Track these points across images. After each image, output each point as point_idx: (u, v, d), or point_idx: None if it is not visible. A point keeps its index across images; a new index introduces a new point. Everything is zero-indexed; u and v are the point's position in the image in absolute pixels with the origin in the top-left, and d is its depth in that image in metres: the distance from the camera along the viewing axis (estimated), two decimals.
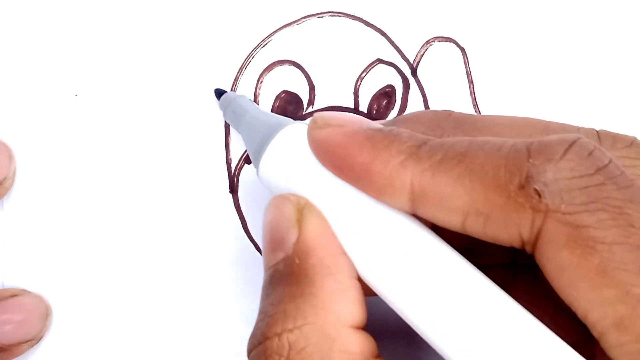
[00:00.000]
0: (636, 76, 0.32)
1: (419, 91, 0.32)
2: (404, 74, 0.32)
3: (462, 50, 0.32)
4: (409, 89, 0.32)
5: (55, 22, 0.30)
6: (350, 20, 0.32)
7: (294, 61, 0.31)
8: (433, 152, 0.20)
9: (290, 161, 0.22)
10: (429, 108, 0.31)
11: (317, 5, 0.31)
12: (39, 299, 0.29)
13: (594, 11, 0.32)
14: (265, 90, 0.31)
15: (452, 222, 0.20)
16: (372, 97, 0.31)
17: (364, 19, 0.32)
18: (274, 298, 0.21)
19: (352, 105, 0.31)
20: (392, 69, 0.31)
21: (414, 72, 0.32)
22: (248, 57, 0.31)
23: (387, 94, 0.31)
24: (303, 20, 0.31)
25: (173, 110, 0.31)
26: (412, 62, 0.32)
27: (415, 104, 0.31)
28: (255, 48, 0.31)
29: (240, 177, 0.31)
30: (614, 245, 0.17)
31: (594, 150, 0.19)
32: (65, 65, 0.30)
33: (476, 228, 0.19)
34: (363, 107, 0.31)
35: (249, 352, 0.21)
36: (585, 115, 0.32)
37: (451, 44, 0.32)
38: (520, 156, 0.19)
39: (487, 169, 0.19)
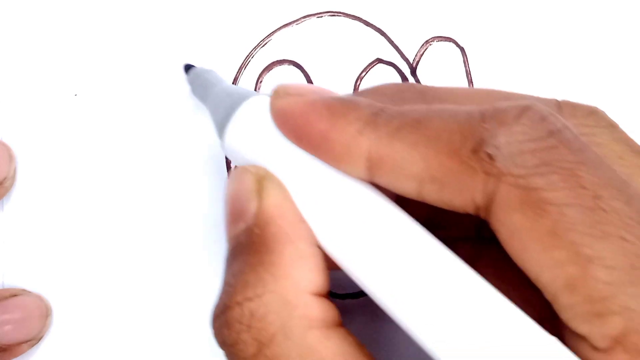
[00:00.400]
0: (636, 76, 0.32)
1: None
2: (403, 73, 0.32)
3: (462, 50, 0.32)
4: None
5: (55, 22, 0.30)
6: (350, 20, 0.32)
7: (293, 61, 0.31)
8: (390, 120, 0.20)
9: (252, 133, 0.22)
10: None
11: (317, 5, 0.31)
12: (39, 299, 0.29)
13: (594, 11, 0.32)
14: (265, 90, 0.31)
15: (409, 189, 0.20)
16: None
17: (364, 18, 0.32)
18: (236, 269, 0.21)
19: None
20: (391, 68, 0.32)
21: (413, 72, 0.32)
22: (247, 57, 0.31)
23: None
24: (302, 20, 0.31)
25: (172, 110, 0.31)
26: (411, 61, 0.32)
27: None
28: (255, 48, 0.31)
29: None
30: (564, 207, 0.17)
31: (548, 115, 0.19)
32: (64, 65, 0.30)
33: (432, 194, 0.19)
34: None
35: (212, 322, 0.21)
36: None
37: (451, 43, 0.32)
38: (473, 121, 0.19)
39: (441, 135, 0.19)
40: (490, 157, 0.18)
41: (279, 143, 0.22)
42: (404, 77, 0.32)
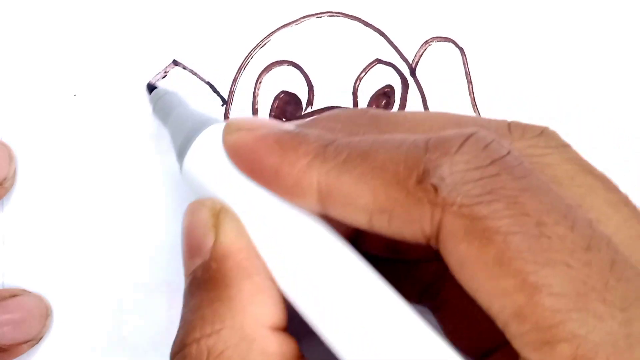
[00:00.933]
0: (635, 76, 0.32)
1: (417, 91, 0.32)
2: (402, 74, 0.32)
3: (461, 50, 0.32)
4: (407, 89, 0.32)
5: (55, 22, 0.30)
6: (349, 20, 0.32)
7: (292, 61, 0.31)
8: (338, 152, 0.20)
9: (208, 164, 0.23)
10: (427, 108, 0.32)
11: (316, 6, 0.31)
12: (39, 299, 0.29)
13: (593, 11, 0.32)
14: (264, 91, 0.31)
15: (359, 220, 0.20)
16: (371, 98, 0.31)
17: (363, 19, 0.32)
18: (193, 305, 0.21)
19: (351, 106, 0.31)
20: (391, 69, 0.31)
21: (412, 72, 0.32)
22: (247, 57, 0.31)
23: (386, 94, 0.31)
24: (302, 20, 0.31)
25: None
26: (411, 62, 0.32)
27: (414, 104, 0.31)
28: (254, 48, 0.31)
29: None
30: (509, 235, 0.17)
31: (491, 142, 0.19)
32: (64, 65, 0.30)
33: (382, 226, 0.19)
34: (362, 107, 0.31)
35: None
36: (585, 116, 0.32)
37: (450, 44, 0.32)
38: (418, 152, 0.19)
39: (387, 166, 0.19)
40: (434, 187, 0.18)
41: (234, 175, 0.22)
42: (403, 78, 0.32)
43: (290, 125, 0.22)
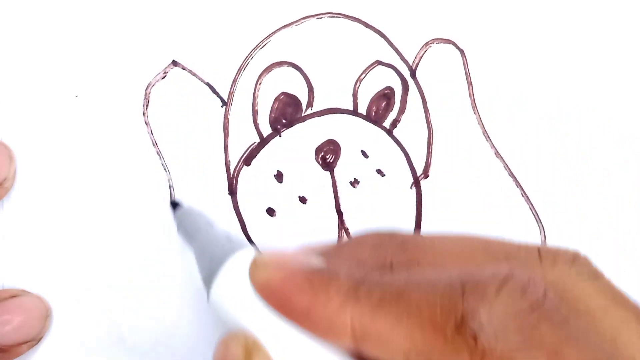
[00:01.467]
0: (635, 76, 0.32)
1: (418, 93, 0.31)
2: (403, 75, 0.32)
3: (461, 52, 0.32)
4: (408, 90, 0.31)
5: (56, 23, 0.30)
6: (350, 21, 0.31)
7: (292, 62, 0.31)
8: (371, 292, 0.20)
9: (237, 297, 0.23)
10: (428, 110, 0.31)
11: (316, 6, 0.31)
12: (39, 300, 0.29)
13: (593, 12, 0.32)
14: (264, 92, 0.31)
15: None
16: (371, 99, 0.31)
17: (363, 20, 0.31)
18: None
19: (351, 107, 0.31)
20: (391, 70, 0.31)
21: (413, 74, 0.32)
22: (247, 58, 0.31)
23: (386, 95, 0.31)
24: (302, 21, 0.31)
25: (172, 111, 0.31)
26: (411, 63, 0.32)
27: (414, 106, 0.31)
28: (254, 49, 0.31)
29: (239, 179, 0.31)
30: None
31: (528, 285, 0.19)
32: (65, 66, 0.30)
33: None
34: (362, 109, 0.31)
35: None
36: (585, 116, 0.32)
37: (450, 45, 0.32)
38: (454, 295, 0.19)
39: (423, 309, 0.19)
40: (474, 335, 0.18)
41: (264, 310, 0.22)
42: (403, 79, 0.31)
43: (317, 260, 0.22)
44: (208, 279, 0.24)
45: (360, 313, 0.20)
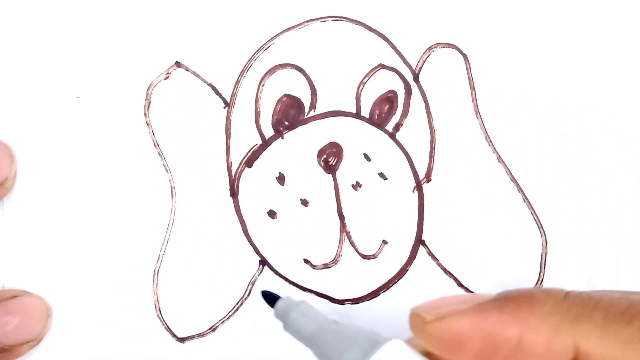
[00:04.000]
0: (635, 76, 0.32)
1: (420, 97, 0.32)
2: (406, 79, 0.32)
3: (465, 56, 0.32)
4: (410, 94, 0.31)
5: (58, 23, 0.30)
6: (353, 25, 0.31)
7: (296, 65, 0.31)
8: (590, 310, 0.18)
9: None
10: (430, 114, 0.31)
11: (320, 10, 0.31)
12: (40, 300, 0.29)
13: (595, 18, 0.32)
14: (267, 94, 0.31)
15: None
16: (374, 102, 0.31)
17: (367, 24, 0.31)
18: None
19: (354, 110, 0.31)
20: (394, 74, 0.31)
21: (416, 78, 0.32)
22: (250, 60, 0.31)
23: (389, 99, 0.31)
24: (306, 24, 0.31)
25: (174, 112, 0.31)
26: (414, 67, 0.32)
27: (417, 110, 0.31)
28: (257, 51, 0.31)
29: (241, 181, 0.31)
30: None
31: None
32: (67, 66, 0.30)
33: None
34: (365, 112, 0.31)
35: None
36: (585, 116, 0.32)
37: (453, 50, 0.32)
38: None
39: None
40: None
41: None
42: (406, 83, 0.32)
43: (482, 294, 0.20)
44: None
45: (585, 334, 0.18)
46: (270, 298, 0.26)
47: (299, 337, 0.25)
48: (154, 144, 0.30)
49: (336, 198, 0.31)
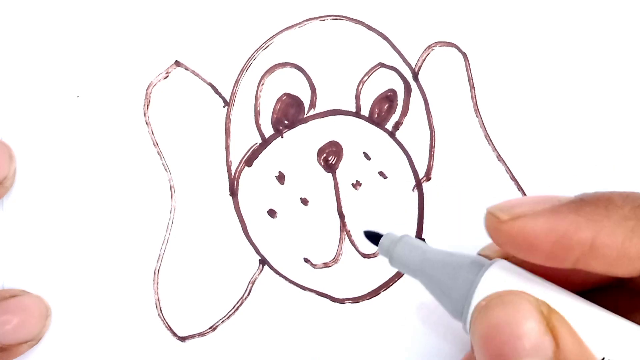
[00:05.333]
0: (635, 76, 0.32)
1: (420, 96, 0.32)
2: (405, 78, 0.32)
3: (464, 55, 0.32)
4: (410, 93, 0.32)
5: (57, 23, 0.30)
6: (353, 23, 0.31)
7: (295, 64, 0.31)
8: None
9: (510, 287, 0.21)
10: (430, 112, 0.32)
11: (319, 8, 0.31)
12: (39, 300, 0.29)
13: (595, 16, 0.32)
14: (266, 93, 0.31)
15: None
16: (374, 101, 0.31)
17: (366, 22, 0.32)
18: None
19: (353, 109, 0.31)
20: (393, 73, 0.31)
21: (415, 77, 0.32)
22: (249, 59, 0.31)
23: (388, 98, 0.31)
24: (305, 23, 0.31)
25: (173, 112, 0.30)
26: (413, 66, 0.32)
27: (416, 109, 0.32)
28: (257, 50, 0.31)
29: (241, 180, 0.31)
30: None
31: None
32: (67, 66, 0.30)
33: None
34: (364, 111, 0.31)
35: None
36: (585, 116, 0.32)
37: (453, 49, 0.32)
38: None
39: None
40: None
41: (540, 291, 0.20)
42: (406, 82, 0.32)
43: (558, 195, 0.20)
44: (462, 300, 0.22)
45: None
46: (373, 236, 0.26)
47: (407, 270, 0.25)
48: (154, 144, 0.30)
49: (336, 197, 0.31)
